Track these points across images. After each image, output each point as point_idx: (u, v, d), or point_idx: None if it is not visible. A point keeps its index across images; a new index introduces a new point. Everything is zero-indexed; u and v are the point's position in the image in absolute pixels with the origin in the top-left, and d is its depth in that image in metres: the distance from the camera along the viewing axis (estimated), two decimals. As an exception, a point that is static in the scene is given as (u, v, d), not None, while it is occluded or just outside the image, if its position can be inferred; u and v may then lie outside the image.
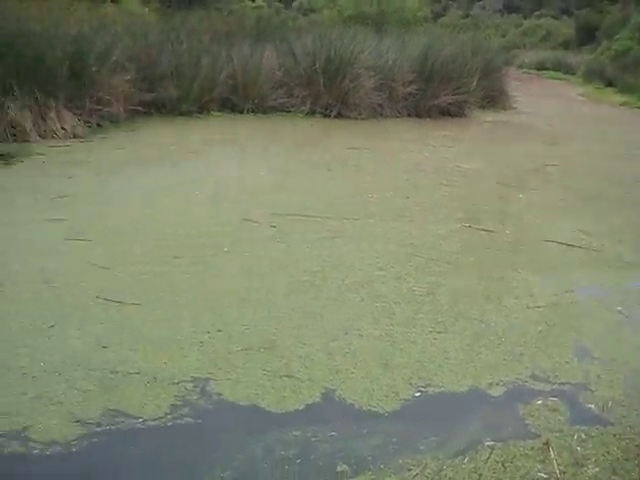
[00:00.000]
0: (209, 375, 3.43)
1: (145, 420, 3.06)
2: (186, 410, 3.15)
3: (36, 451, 2.84)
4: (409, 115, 12.85)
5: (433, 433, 3.10)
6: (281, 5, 31.90)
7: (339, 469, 2.83)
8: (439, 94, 13.05)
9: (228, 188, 7.00)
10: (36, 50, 9.25)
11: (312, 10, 30.28)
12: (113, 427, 3.01)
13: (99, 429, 2.99)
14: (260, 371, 3.49)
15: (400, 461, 2.89)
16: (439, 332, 4.00)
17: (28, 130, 8.81)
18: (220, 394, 3.28)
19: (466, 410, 3.31)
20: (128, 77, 10.49)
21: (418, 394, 3.37)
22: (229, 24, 14.88)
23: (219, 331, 3.87)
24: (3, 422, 2.99)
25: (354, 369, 3.55)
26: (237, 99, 11.86)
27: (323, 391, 3.35)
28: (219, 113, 11.63)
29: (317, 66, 12.07)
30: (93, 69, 9.93)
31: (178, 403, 3.20)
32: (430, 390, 3.41)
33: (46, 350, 3.58)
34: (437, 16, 37.88)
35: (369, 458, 2.90)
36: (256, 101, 11.89)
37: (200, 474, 2.76)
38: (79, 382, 3.31)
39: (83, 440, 2.91)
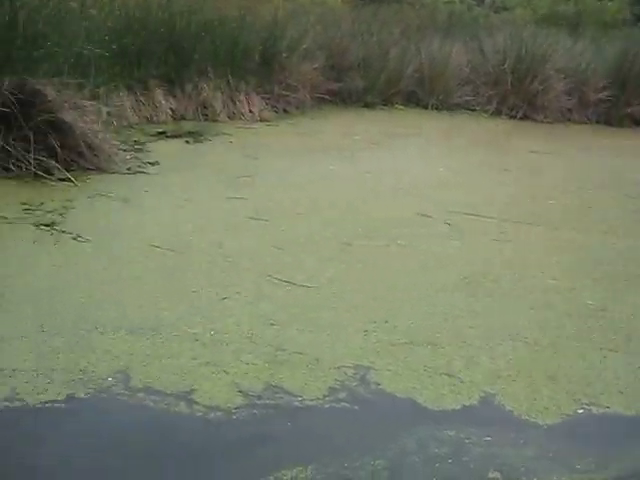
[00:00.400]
0: (370, 364, 3.45)
1: (304, 399, 3.13)
2: (344, 395, 3.19)
3: (199, 414, 2.97)
4: (598, 122, 12.28)
5: (592, 454, 2.96)
6: (473, 2, 31.37)
7: (491, 475, 2.78)
8: (633, 102, 12.41)
9: (406, 181, 7.01)
10: (231, 35, 9.67)
11: (505, 8, 29.55)
12: (273, 402, 3.09)
13: (259, 402, 3.08)
14: (421, 366, 3.47)
15: (554, 477, 2.79)
16: (610, 350, 3.82)
17: (218, 111, 9.22)
18: (379, 384, 3.30)
19: (631, 435, 3.15)
20: (317, 65, 10.69)
21: (581, 411, 3.24)
22: (420, 18, 14.83)
23: (385, 322, 3.89)
24: (173, 383, 3.16)
25: (516, 376, 3.47)
26: (422, 94, 11.80)
27: (482, 394, 3.30)
28: (403, 106, 11.62)
29: (506, 65, 11.80)
30: (284, 56, 10.22)
31: (337, 387, 3.24)
32: (594, 409, 3.27)
33: (217, 320, 3.75)
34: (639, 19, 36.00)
35: (522, 469, 2.82)
36: (441, 97, 11.79)
37: (351, 460, 2.78)
38: (245, 355, 3.44)
39: (243, 410, 3.01)
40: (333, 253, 4.88)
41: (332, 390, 3.22)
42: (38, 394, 2.99)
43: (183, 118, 8.95)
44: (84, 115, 6.47)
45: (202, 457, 2.77)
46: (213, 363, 3.34)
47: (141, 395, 3.05)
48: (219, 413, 2.99)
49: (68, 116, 6.21)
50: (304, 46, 10.55)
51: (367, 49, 11.53)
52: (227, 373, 3.27)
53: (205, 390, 3.13)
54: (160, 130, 8.24)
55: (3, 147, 5.99)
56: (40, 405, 2.93)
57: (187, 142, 7.94)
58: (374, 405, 3.19)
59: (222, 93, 9.34)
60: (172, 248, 4.69)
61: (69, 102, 6.35)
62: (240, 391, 3.15)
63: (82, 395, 3.02)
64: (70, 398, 2.99)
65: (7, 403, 2.92)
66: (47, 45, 6.67)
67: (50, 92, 6.18)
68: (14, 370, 3.14)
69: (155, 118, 8.68)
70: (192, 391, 3.11)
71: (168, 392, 3.09)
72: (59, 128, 6.16)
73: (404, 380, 3.35)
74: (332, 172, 7.14)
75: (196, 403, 3.03)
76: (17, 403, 2.93)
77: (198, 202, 5.80)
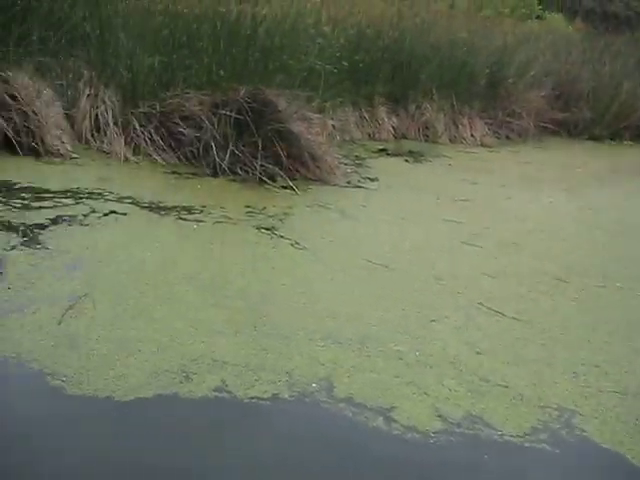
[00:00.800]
0: (576, 408, 3.31)
1: (503, 434, 3.04)
2: (546, 436, 3.07)
3: (396, 432, 2.97)
4: None
5: None
6: None
7: None
8: None
9: (630, 222, 6.69)
10: (459, 58, 9.67)
11: None
12: (471, 432, 3.04)
13: (458, 430, 3.04)
14: (632, 419, 3.27)
15: None
16: None
17: (440, 133, 9.26)
18: (584, 430, 3.14)
19: None
20: (543, 93, 10.47)
21: None
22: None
23: (595, 366, 3.71)
24: (374, 398, 3.17)
25: None
26: (655, 130, 11.22)
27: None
28: (632, 142, 11.09)
29: None
30: (510, 81, 10.08)
31: (539, 427, 3.13)
32: None
33: (423, 342, 3.74)
34: None
35: None
36: (676, 134, 11.14)
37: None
38: (448, 380, 3.40)
39: (440, 435, 2.98)
40: (546, 287, 4.72)
41: (534, 429, 3.11)
42: (245, 389, 3.12)
43: (404, 137, 9.08)
44: (310, 127, 6.71)
45: (394, 477, 2.77)
46: (415, 384, 3.33)
47: (342, 405, 3.10)
48: (416, 435, 2.97)
49: (296, 127, 6.47)
50: (532, 73, 10.36)
51: (598, 79, 11.13)
52: (428, 396, 3.26)
53: (405, 409, 3.13)
54: (381, 147, 8.41)
55: (233, 152, 6.36)
56: (247, 400, 3.05)
57: (407, 161, 8.03)
58: (577, 452, 3.05)
59: (445, 115, 9.37)
60: (385, 264, 4.74)
61: (298, 113, 6.61)
62: (439, 416, 3.12)
63: (286, 396, 3.11)
64: (275, 398, 3.10)
65: (216, 393, 3.07)
66: (282, 58, 6.99)
67: (281, 103, 6.47)
68: (225, 363, 3.29)
69: (377, 135, 8.86)
70: (392, 409, 3.12)
71: (368, 406, 3.11)
72: (286, 138, 6.44)
73: (611, 431, 3.17)
74: (551, 204, 6.95)
75: (394, 421, 3.04)
76: (225, 394, 3.07)
77: (414, 221, 5.84)
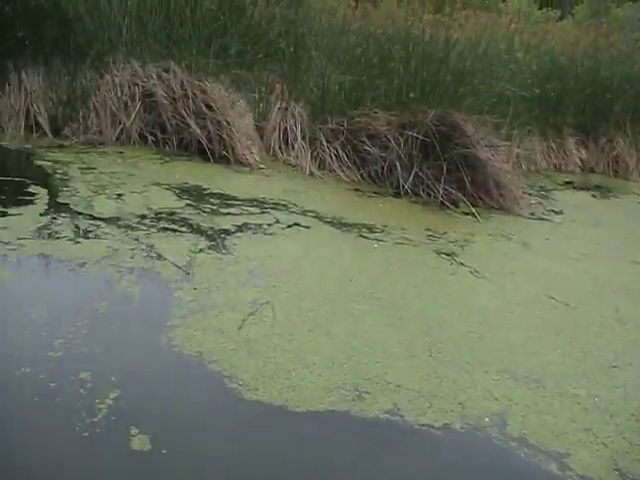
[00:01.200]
0: None
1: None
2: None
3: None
4: None
5: None
6: None
7: None
8: None
9: None
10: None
11: None
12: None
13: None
14: None
15: None
16: None
17: (631, 169, 8.89)
18: None
19: None
20: None
21: None
22: None
23: None
24: (548, 440, 3.05)
25: None
26: None
27: None
28: None
29: None
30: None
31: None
32: None
33: (603, 387, 3.56)
34: None
35: None
36: None
37: None
38: (629, 433, 3.21)
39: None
40: None
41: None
42: (417, 415, 3.09)
43: (592, 171, 8.79)
44: (496, 154, 6.61)
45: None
46: (592, 432, 3.18)
47: (514, 444, 3.00)
48: (586, 486, 2.84)
49: (482, 153, 6.39)
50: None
51: None
52: (606, 446, 3.09)
53: (580, 458, 2.99)
54: (567, 180, 8.18)
55: (417, 173, 6.36)
56: (417, 427, 3.02)
57: (594, 196, 7.76)
58: None
59: (638, 150, 8.97)
60: (566, 302, 4.57)
61: (485, 140, 6.53)
62: (617, 469, 2.95)
63: (458, 427, 3.05)
64: (446, 427, 3.04)
65: (387, 416, 3.06)
66: (473, 82, 6.92)
67: (469, 128, 6.41)
68: (398, 386, 3.28)
69: (563, 167, 8.62)
70: (567, 455, 2.99)
71: (542, 449, 3.00)
72: (472, 163, 6.38)
73: None
74: None
75: (569, 469, 2.91)
76: (396, 418, 3.05)
77: (599, 260, 5.61)
